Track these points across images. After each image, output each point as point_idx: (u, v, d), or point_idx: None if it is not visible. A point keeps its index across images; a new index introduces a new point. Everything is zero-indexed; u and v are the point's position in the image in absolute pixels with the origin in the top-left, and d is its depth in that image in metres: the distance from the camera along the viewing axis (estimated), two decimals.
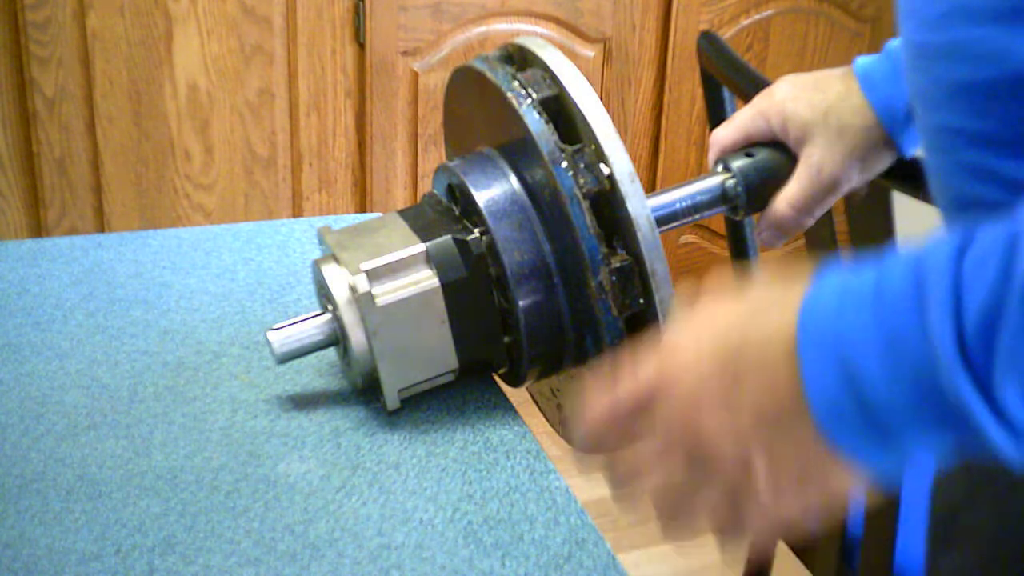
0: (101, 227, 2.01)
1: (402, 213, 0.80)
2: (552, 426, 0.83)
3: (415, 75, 2.11)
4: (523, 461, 0.76)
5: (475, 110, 0.80)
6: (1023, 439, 0.45)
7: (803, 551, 1.32)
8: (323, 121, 2.10)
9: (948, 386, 0.45)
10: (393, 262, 0.75)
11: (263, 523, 0.69)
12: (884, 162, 0.80)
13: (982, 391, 0.44)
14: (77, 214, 1.99)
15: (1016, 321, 0.43)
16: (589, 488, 2.46)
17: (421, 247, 0.75)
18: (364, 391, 0.81)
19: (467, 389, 0.82)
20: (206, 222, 2.06)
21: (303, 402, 0.80)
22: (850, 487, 0.51)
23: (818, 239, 1.14)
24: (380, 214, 0.85)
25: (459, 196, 0.77)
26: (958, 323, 0.44)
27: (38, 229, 1.99)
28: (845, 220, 1.05)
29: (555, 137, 0.72)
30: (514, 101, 0.73)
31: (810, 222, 0.81)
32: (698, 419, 0.52)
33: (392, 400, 0.77)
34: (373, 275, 0.74)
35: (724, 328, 0.53)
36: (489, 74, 0.75)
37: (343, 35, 2.05)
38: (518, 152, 0.74)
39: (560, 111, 0.73)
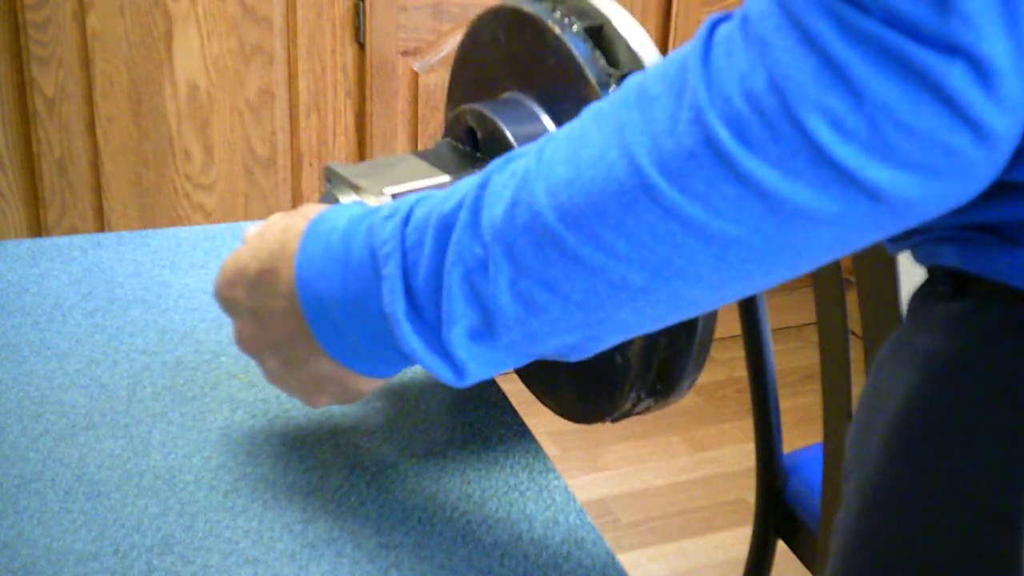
0: (101, 227, 2.01)
1: (417, 153, 0.78)
2: (551, 409, 0.83)
3: (415, 75, 2.11)
4: (522, 460, 0.76)
5: (500, 54, 0.78)
6: (463, 370, 0.59)
7: (803, 550, 1.32)
8: (323, 121, 2.10)
9: (400, 340, 0.59)
10: (420, 188, 0.72)
11: (262, 523, 0.69)
12: None
13: (432, 339, 0.58)
14: (77, 214, 1.99)
15: (448, 287, 0.56)
16: (589, 488, 2.47)
17: (446, 178, 0.73)
18: None
19: (466, 388, 0.82)
20: (206, 222, 2.06)
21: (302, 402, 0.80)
22: (365, 383, 0.66)
23: (823, 272, 1.13)
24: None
25: (482, 139, 0.75)
26: (408, 291, 0.58)
27: (38, 229, 1.99)
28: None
29: (602, 62, 0.70)
30: (556, 28, 0.71)
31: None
32: (238, 325, 0.68)
33: None
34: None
35: (251, 257, 0.66)
36: (527, 7, 0.74)
37: (343, 35, 2.05)
38: (553, 90, 0.73)
39: (603, 42, 0.71)
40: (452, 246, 0.56)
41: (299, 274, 0.63)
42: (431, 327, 0.58)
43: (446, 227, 0.57)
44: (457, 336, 0.57)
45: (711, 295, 0.52)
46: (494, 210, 0.54)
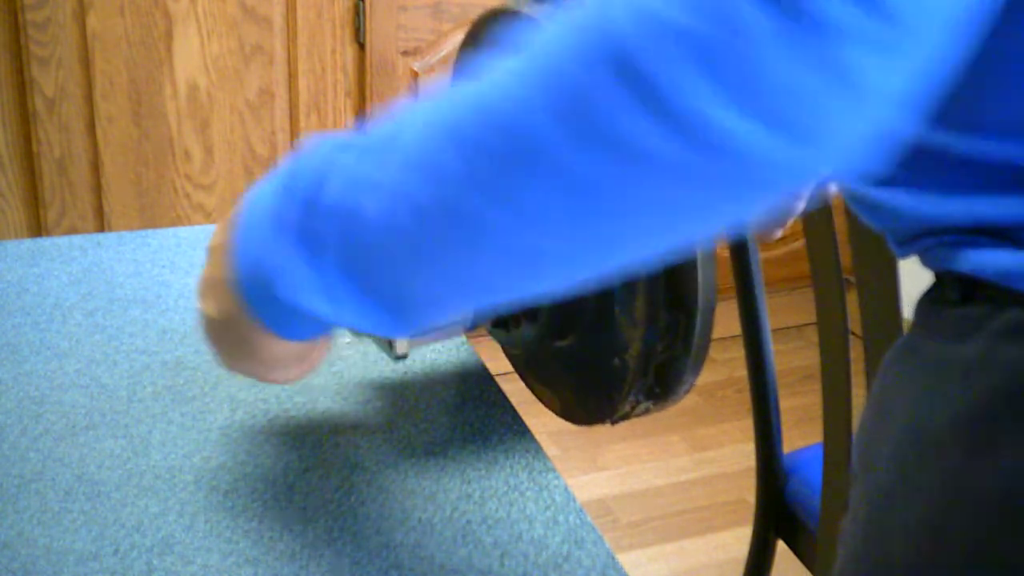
0: (101, 227, 2.01)
1: None
2: (551, 410, 0.83)
3: (415, 75, 2.11)
4: (522, 460, 0.76)
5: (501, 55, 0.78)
6: (338, 310, 0.57)
7: (803, 550, 1.32)
8: (323, 121, 2.10)
9: (278, 256, 0.58)
10: None
11: (262, 522, 0.69)
12: None
13: (311, 263, 0.56)
14: (77, 214, 1.99)
15: (332, 205, 0.55)
16: (589, 488, 2.46)
17: None
18: (367, 384, 0.81)
19: (466, 388, 0.82)
20: (206, 222, 2.06)
21: (302, 401, 0.80)
22: (278, 346, 0.63)
23: (819, 250, 1.14)
24: None
25: None
26: (305, 209, 0.56)
27: (38, 229, 1.99)
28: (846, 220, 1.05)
29: None
30: None
31: None
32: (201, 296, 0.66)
33: (402, 344, 0.76)
34: None
35: (219, 232, 0.65)
36: (529, 10, 0.74)
37: (343, 35, 2.05)
38: None
39: None
40: (349, 166, 0.54)
41: (243, 207, 0.61)
42: (309, 254, 0.57)
43: (358, 150, 0.55)
44: (330, 264, 0.56)
45: (571, 253, 0.50)
46: (405, 136, 0.53)
